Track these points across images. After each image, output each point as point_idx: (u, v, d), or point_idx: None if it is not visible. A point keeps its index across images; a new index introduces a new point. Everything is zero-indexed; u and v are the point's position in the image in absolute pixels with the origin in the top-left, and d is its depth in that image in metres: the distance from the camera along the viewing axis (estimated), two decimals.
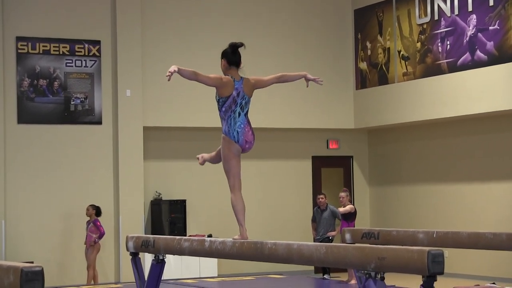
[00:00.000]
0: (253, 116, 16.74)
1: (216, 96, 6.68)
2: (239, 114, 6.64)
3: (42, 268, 4.33)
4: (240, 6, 16.38)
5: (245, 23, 16.37)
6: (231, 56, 6.84)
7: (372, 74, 16.72)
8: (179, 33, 15.83)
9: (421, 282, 5.08)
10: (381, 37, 16.52)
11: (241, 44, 6.87)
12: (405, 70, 15.91)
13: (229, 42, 6.86)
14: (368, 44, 16.83)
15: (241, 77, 6.82)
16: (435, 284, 5.10)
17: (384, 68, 16.41)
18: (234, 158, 6.73)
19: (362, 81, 16.98)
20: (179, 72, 6.53)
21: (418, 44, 15.61)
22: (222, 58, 6.88)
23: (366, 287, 5.35)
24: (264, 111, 16.27)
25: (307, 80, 7.01)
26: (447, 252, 14.40)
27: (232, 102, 6.63)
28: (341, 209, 14.30)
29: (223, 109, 6.61)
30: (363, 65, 16.94)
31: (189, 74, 6.59)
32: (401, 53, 16.01)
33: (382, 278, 5.31)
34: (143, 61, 15.35)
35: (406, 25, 15.89)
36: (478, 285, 13.00)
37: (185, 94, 15.56)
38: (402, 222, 16.47)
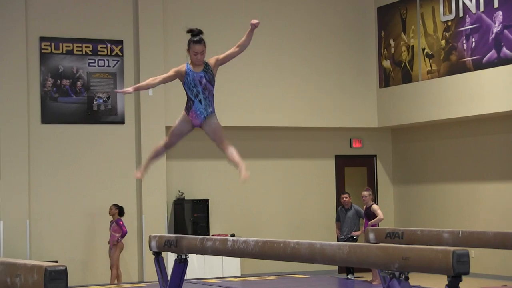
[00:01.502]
0: (276, 116, 16.86)
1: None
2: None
3: (66, 267, 4.33)
4: (262, 5, 16.33)
5: (267, 22, 16.29)
6: None
7: (395, 72, 16.62)
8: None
9: (446, 282, 5.02)
10: (404, 34, 16.41)
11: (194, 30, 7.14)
12: (429, 68, 15.79)
13: (192, 29, 7.21)
14: (392, 42, 16.73)
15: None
16: (460, 284, 5.04)
17: (408, 66, 16.31)
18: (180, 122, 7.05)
19: (385, 79, 16.88)
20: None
21: (443, 42, 15.48)
22: (204, 45, 7.18)
23: (390, 287, 5.31)
24: (286, 110, 16.26)
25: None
26: (473, 252, 14.27)
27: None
28: (378, 211, 13.98)
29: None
30: (387, 63, 16.84)
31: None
32: (425, 50, 15.89)
33: (407, 278, 5.28)
34: (165, 61, 15.33)
35: (430, 22, 15.77)
36: (506, 285, 12.87)
37: None
38: (426, 221, 16.36)
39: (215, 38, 15.96)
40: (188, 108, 6.98)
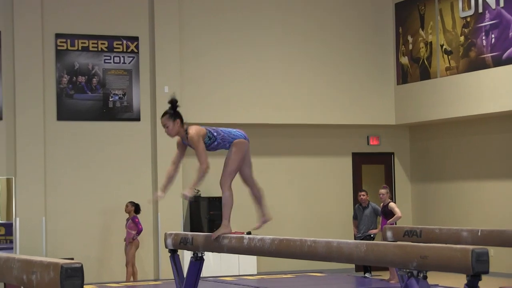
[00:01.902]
0: (293, 113, 16.80)
1: (205, 141, 6.98)
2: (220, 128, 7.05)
3: (82, 265, 4.30)
4: (277, 0, 16.24)
5: (283, 18, 16.27)
6: (181, 115, 6.94)
7: (413, 69, 16.51)
8: (217, 29, 15.77)
9: (465, 282, 4.99)
10: (423, 31, 16.31)
11: (177, 100, 6.98)
12: (448, 65, 15.68)
13: (172, 100, 6.96)
14: (410, 38, 16.63)
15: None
16: (480, 283, 5.00)
17: (426, 62, 16.20)
18: (242, 159, 7.11)
19: (403, 76, 16.78)
20: (194, 187, 7.04)
21: (462, 38, 15.36)
22: (175, 119, 6.88)
23: (408, 286, 5.28)
24: (303, 108, 16.21)
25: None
26: (492, 250, 14.13)
27: (210, 128, 7.01)
28: (396, 209, 13.88)
29: (215, 134, 6.97)
30: (404, 60, 16.74)
31: (204, 174, 7.00)
32: (444, 47, 15.78)
33: (425, 277, 5.23)
34: (181, 57, 15.30)
35: (449, 18, 15.66)
36: None
37: (224, 90, 15.51)
38: (445, 219, 16.24)
39: (231, 34, 15.93)
40: (235, 134, 7.11)
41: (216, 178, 7.37)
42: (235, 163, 7.04)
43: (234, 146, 7.00)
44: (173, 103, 6.90)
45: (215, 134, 6.94)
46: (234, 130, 7.07)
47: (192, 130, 6.86)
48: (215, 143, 7.00)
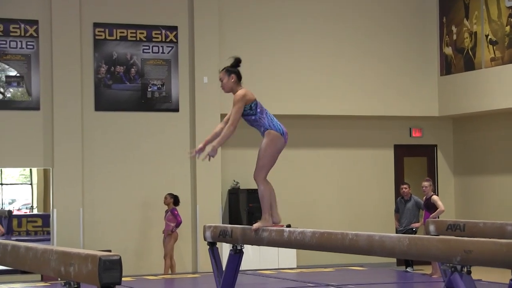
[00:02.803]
0: (333, 104, 16.63)
1: (246, 107, 7.01)
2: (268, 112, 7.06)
3: (120, 257, 4.33)
4: None
5: (325, 7, 16.11)
6: (239, 73, 7.14)
7: (457, 60, 16.30)
8: (256, 19, 15.70)
9: (510, 277, 4.94)
10: (467, 20, 16.10)
11: (240, 60, 7.18)
12: (493, 55, 15.51)
13: (235, 58, 7.17)
14: (454, 28, 16.42)
15: None
16: None
17: (470, 53, 16.00)
18: (276, 153, 7.01)
19: (447, 67, 16.59)
20: (218, 146, 6.93)
21: (507, 28, 15.17)
22: (230, 73, 7.09)
23: (452, 281, 5.27)
24: (344, 99, 16.11)
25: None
26: None
27: (260, 103, 7.08)
28: (439, 203, 13.67)
29: (258, 110, 6.99)
30: (448, 50, 16.53)
31: (229, 136, 6.94)
32: (489, 37, 15.59)
33: (469, 272, 5.23)
34: (221, 47, 15.19)
35: (494, 8, 15.46)
36: None
37: (262, 81, 15.39)
38: (489, 213, 16.06)
39: (272, 24, 15.77)
40: (276, 126, 7.14)
41: (253, 170, 7.23)
42: (268, 157, 6.97)
43: (267, 137, 6.95)
44: (235, 60, 7.07)
45: (258, 110, 6.96)
46: (278, 122, 7.01)
47: (241, 91, 7.01)
48: (252, 117, 6.99)
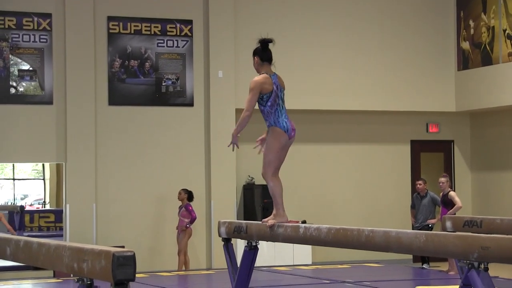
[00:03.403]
0: (349, 99, 16.54)
1: (261, 95, 6.97)
2: (282, 106, 7.00)
3: (134, 253, 4.28)
4: None
5: (342, 1, 16.04)
6: (263, 53, 7.08)
7: (475, 54, 16.17)
8: (272, 12, 15.63)
9: None
10: (485, 15, 16.00)
11: (271, 40, 7.11)
12: (511, 50, 15.47)
13: (259, 39, 7.08)
14: (471, 23, 16.30)
15: (274, 72, 7.18)
16: None
17: (488, 47, 15.88)
18: (281, 149, 6.96)
19: (464, 62, 16.48)
20: (238, 133, 6.98)
21: None
22: (254, 56, 7.09)
23: (469, 278, 5.25)
24: (360, 94, 16.06)
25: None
26: None
27: (276, 96, 6.98)
28: (456, 199, 13.55)
29: (269, 103, 6.92)
30: (466, 45, 16.41)
31: (245, 121, 6.91)
32: (507, 32, 15.51)
33: (486, 269, 5.21)
34: (236, 42, 15.11)
35: None
36: None
37: (280, 75, 15.20)
38: (506, 210, 15.96)
39: (288, 19, 15.66)
40: (282, 123, 7.11)
41: None
42: (272, 153, 6.95)
43: (271, 133, 6.95)
44: (259, 42, 7.04)
45: (269, 103, 6.92)
46: (286, 119, 6.95)
47: (256, 78, 6.99)
48: (261, 107, 6.96)
